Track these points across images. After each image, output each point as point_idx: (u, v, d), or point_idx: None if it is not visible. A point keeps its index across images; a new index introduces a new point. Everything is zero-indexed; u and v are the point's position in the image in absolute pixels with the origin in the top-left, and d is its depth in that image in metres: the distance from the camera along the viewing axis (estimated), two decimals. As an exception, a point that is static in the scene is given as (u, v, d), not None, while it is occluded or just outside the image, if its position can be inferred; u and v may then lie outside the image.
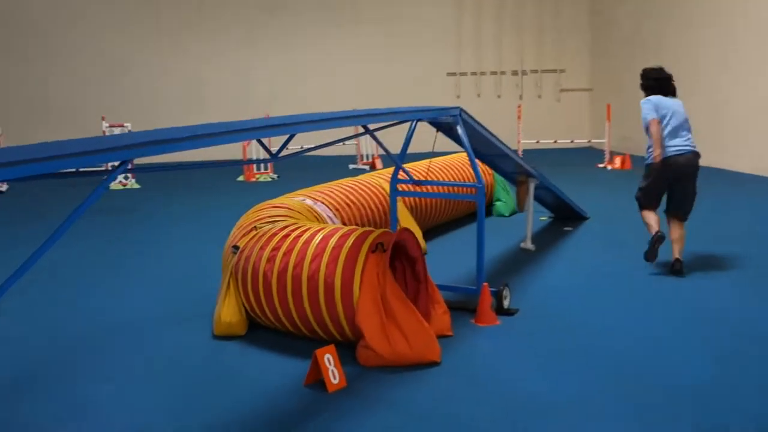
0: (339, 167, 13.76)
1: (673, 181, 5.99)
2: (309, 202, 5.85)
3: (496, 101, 17.42)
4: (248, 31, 16.59)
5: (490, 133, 5.72)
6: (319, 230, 4.63)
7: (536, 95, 17.83)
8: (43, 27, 15.77)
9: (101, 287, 5.96)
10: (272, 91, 16.67)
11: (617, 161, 13.42)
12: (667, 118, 5.93)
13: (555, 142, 15.48)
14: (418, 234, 6.79)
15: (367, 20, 16.89)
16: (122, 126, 12.22)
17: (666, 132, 5.92)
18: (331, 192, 6.31)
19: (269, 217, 5.18)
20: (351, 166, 14.01)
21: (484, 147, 6.00)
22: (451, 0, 17.31)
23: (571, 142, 15.92)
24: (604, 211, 8.88)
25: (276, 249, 4.58)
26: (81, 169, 3.30)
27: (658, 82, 6.05)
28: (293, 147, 10.68)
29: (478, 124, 5.47)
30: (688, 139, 5.98)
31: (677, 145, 5.94)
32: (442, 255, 6.73)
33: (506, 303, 5.08)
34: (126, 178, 12.16)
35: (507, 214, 8.80)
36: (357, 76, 16.89)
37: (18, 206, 10.34)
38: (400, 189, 5.54)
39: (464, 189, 7.52)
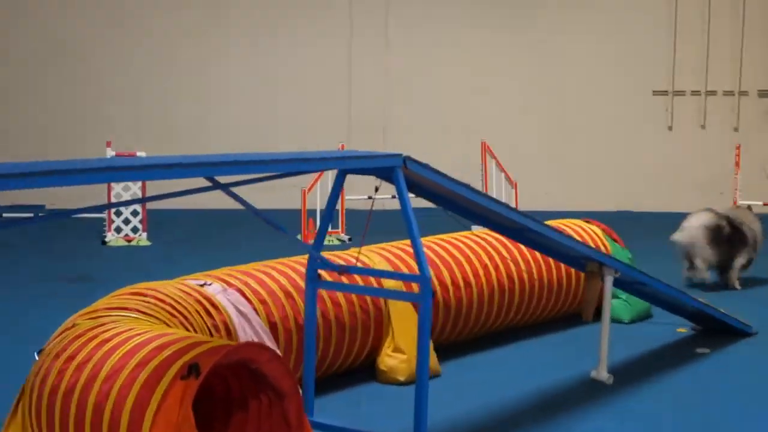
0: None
1: None
2: (215, 287, 5.77)
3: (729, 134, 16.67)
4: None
5: (484, 196, 5.40)
6: (137, 334, 4.55)
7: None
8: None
9: None
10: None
11: None
12: None
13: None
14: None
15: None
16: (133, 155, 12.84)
17: None
18: (276, 271, 6.19)
19: (109, 309, 5.16)
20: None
21: (493, 214, 5.68)
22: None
23: None
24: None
25: (71, 358, 4.54)
26: None
27: None
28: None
29: (449, 179, 5.17)
30: None
31: None
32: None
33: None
34: (136, 231, 12.79)
35: (627, 320, 8.31)
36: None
37: None
38: (324, 278, 5.33)
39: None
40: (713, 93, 17.00)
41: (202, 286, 5.76)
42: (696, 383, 6.65)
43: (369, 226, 5.37)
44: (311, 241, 12.40)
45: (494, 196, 13.80)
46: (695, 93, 17.01)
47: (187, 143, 16.30)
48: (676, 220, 10.43)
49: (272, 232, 5.13)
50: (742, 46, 16.79)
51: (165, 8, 17.08)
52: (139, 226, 12.87)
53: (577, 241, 6.36)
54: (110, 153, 12.78)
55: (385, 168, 4.91)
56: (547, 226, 5.88)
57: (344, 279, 6.08)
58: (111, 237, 12.74)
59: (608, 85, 17.02)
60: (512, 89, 17.14)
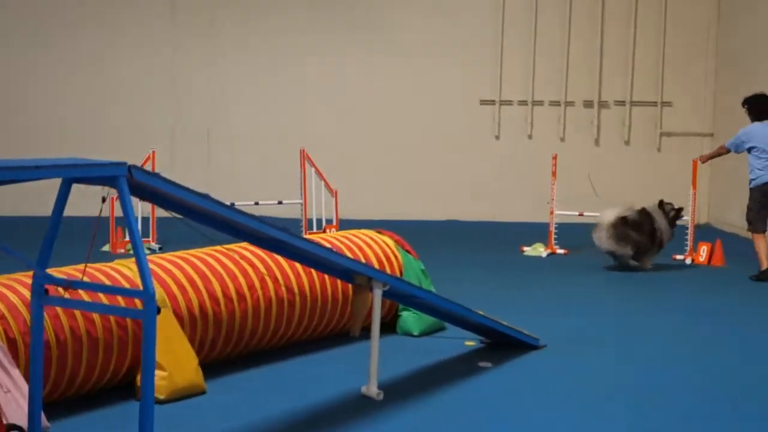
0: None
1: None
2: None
3: (557, 144, 16.76)
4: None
5: (224, 206, 5.12)
6: None
7: (620, 139, 17.10)
8: None
9: None
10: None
11: (703, 251, 12.51)
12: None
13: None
14: (187, 361, 6.23)
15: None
16: None
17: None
18: (19, 283, 5.80)
19: None
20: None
21: (242, 226, 5.41)
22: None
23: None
24: (598, 333, 8.49)
25: None
26: None
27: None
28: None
29: (180, 188, 4.89)
30: None
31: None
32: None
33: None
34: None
35: (416, 332, 8.15)
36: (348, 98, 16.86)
37: None
38: (51, 294, 4.97)
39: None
40: (540, 103, 17.13)
41: None
42: (470, 396, 6.51)
43: (94, 235, 5.03)
44: (120, 250, 12.15)
45: (313, 205, 13.67)
46: (522, 103, 17.10)
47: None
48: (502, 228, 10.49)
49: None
50: (568, 58, 16.97)
51: None
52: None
53: (336, 253, 6.13)
54: None
55: (109, 177, 4.60)
56: (301, 238, 5.66)
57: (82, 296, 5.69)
58: None
59: (437, 94, 16.96)
60: (337, 96, 16.92)
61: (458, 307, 6.98)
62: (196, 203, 4.96)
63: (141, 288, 4.46)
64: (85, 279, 5.52)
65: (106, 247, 12.49)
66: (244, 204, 14.10)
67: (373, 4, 16.96)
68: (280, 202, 14.09)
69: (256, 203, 13.67)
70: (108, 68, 16.87)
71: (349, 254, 7.79)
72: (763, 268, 11.19)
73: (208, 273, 6.83)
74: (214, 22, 16.88)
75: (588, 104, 17.13)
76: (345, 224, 14.33)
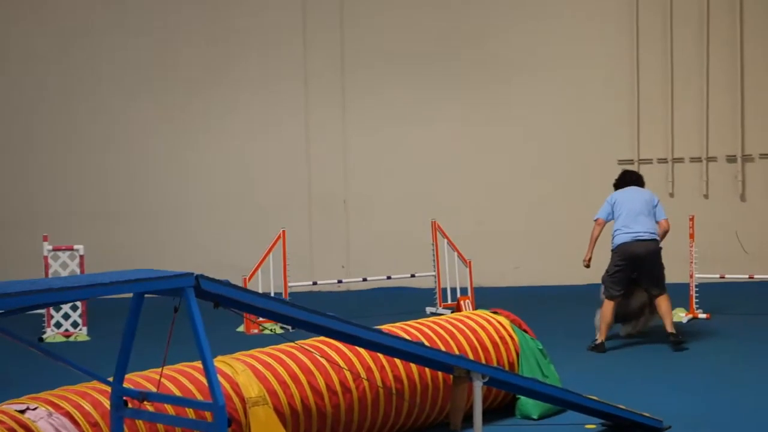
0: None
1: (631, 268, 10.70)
2: (38, 412, 5.42)
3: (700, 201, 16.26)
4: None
5: (295, 307, 5.05)
6: None
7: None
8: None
9: None
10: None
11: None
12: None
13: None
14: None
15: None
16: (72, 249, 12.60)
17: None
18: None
19: None
20: (429, 310, 13.49)
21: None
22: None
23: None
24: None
25: None
26: None
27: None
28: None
29: (247, 292, 4.84)
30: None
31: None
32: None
33: None
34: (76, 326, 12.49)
35: (536, 416, 7.87)
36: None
37: None
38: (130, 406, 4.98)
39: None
40: (680, 160, 16.63)
41: (22, 412, 5.43)
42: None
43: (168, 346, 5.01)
44: (254, 330, 12.19)
45: (447, 276, 13.51)
46: (662, 161, 16.62)
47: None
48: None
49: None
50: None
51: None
52: (79, 321, 12.58)
53: (429, 348, 5.97)
54: (47, 247, 12.56)
55: (176, 288, 4.60)
56: (386, 334, 5.51)
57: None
58: (50, 333, 12.44)
59: (572, 155, 16.64)
60: (465, 161, 16.77)
61: (568, 393, 6.71)
62: (264, 306, 4.91)
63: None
64: (164, 382, 5.51)
65: (241, 327, 12.56)
66: (376, 278, 14.13)
67: (501, 67, 16.79)
68: (413, 275, 14.02)
69: (389, 277, 13.63)
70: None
71: (461, 338, 7.65)
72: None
73: (311, 366, 6.75)
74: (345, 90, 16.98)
75: (731, 159, 16.51)
76: (481, 292, 14.17)
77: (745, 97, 16.42)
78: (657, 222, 10.93)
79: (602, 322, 10.77)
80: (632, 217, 10.71)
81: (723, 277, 13.03)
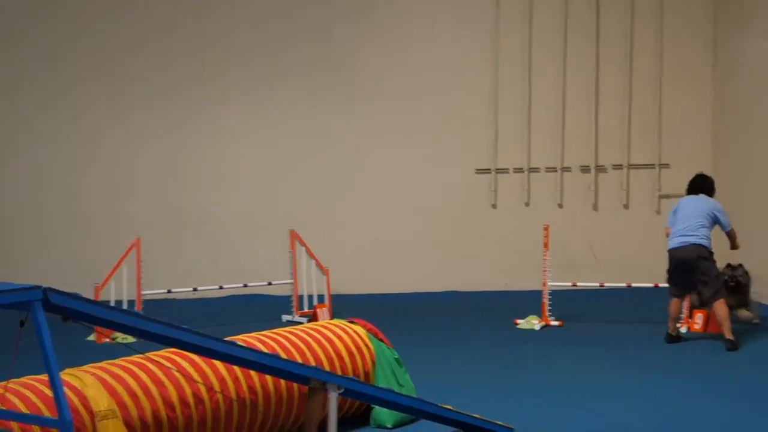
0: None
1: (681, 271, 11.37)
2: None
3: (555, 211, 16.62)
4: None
5: (147, 320, 4.96)
6: None
7: (619, 203, 16.90)
8: None
9: None
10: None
11: (699, 318, 12.23)
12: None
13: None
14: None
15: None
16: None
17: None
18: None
19: None
20: (285, 317, 13.47)
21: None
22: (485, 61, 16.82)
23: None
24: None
25: None
26: None
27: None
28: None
29: (100, 305, 4.74)
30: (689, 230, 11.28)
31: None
32: None
33: None
34: None
35: (390, 425, 7.92)
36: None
37: None
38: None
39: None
40: (536, 170, 16.98)
41: None
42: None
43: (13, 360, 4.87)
44: (105, 339, 11.93)
45: (304, 284, 13.47)
46: (518, 170, 16.94)
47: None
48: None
49: None
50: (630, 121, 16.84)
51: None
52: None
53: (284, 360, 5.96)
54: None
55: (22, 302, 4.46)
56: (236, 345, 5.46)
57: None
58: None
59: (432, 164, 16.80)
60: (329, 169, 16.79)
61: (422, 403, 6.77)
62: (115, 319, 4.82)
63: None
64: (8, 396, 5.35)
65: (92, 337, 12.28)
66: (233, 286, 14.05)
67: (367, 76, 16.82)
68: (269, 283, 13.96)
69: (245, 285, 13.55)
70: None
71: (318, 348, 7.65)
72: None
73: (162, 377, 6.64)
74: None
75: (585, 169, 16.95)
76: (339, 299, 14.21)
77: (599, 111, 16.87)
78: (725, 232, 11.67)
79: (669, 317, 11.64)
80: (682, 223, 11.43)
81: (575, 285, 13.36)
